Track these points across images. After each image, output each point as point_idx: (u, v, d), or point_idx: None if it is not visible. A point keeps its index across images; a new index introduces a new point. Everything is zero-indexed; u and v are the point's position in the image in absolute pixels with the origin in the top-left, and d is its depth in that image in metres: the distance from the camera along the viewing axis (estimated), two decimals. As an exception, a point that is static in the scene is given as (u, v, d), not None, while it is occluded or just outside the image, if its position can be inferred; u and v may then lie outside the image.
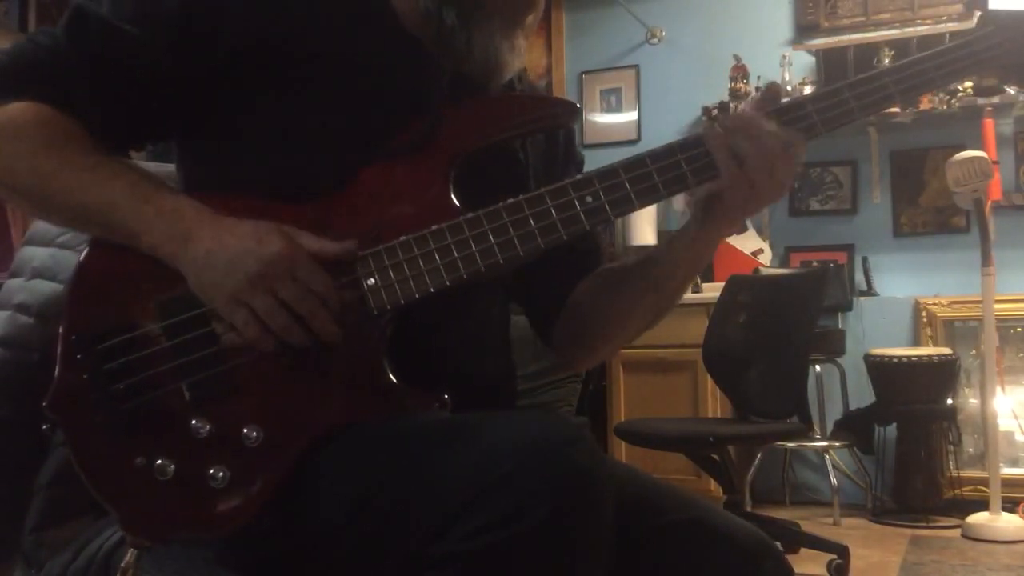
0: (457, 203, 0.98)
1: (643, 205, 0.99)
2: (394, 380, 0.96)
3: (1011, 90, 3.76)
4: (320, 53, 1.03)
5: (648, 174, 0.99)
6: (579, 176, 1.00)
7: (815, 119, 1.00)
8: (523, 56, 1.10)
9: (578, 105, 1.08)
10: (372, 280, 0.96)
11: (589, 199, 0.97)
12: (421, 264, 0.95)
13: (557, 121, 1.14)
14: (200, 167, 1.08)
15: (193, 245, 0.94)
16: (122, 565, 1.07)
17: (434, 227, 0.96)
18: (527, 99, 1.17)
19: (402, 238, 0.96)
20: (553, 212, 0.97)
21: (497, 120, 1.04)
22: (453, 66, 1.06)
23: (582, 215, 0.97)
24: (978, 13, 1.04)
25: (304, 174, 1.01)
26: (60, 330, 0.97)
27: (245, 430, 0.93)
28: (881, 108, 1.02)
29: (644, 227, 4.35)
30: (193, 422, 0.93)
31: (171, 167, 1.13)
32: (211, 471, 0.92)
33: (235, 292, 0.92)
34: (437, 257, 0.96)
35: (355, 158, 1.00)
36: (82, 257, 1.01)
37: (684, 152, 0.99)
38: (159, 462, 0.93)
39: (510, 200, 0.97)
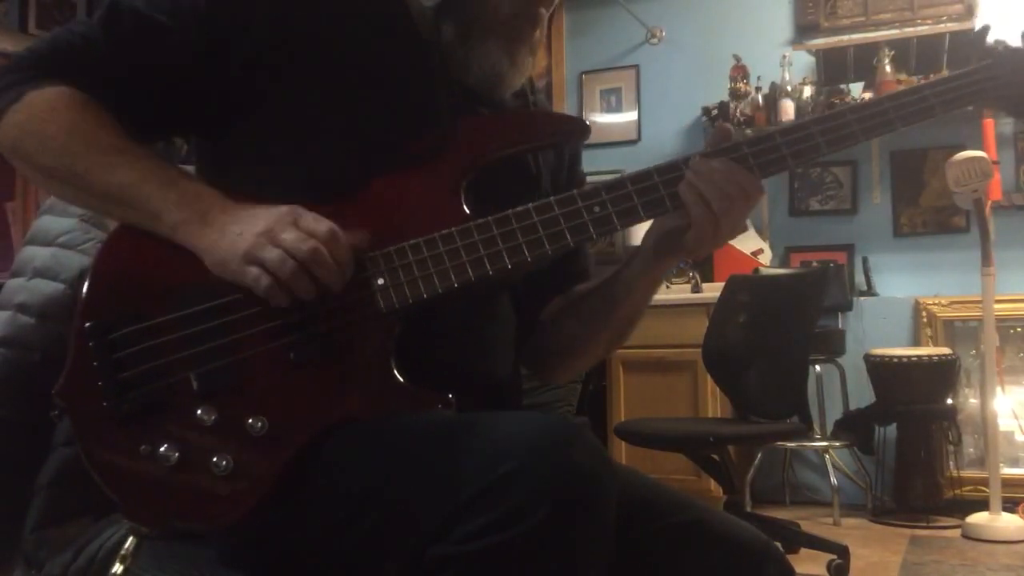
0: (467, 210, 1.00)
1: (649, 217, 1.03)
2: (400, 379, 0.97)
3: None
4: (339, 53, 1.04)
5: (654, 186, 1.01)
6: (586, 187, 1.02)
7: (819, 140, 1.03)
8: (526, 71, 1.13)
9: (588, 123, 1.11)
10: (381, 280, 0.97)
11: (597, 209, 1.00)
12: (430, 265, 0.97)
13: (569, 139, 1.17)
14: (218, 168, 1.09)
15: (210, 226, 0.96)
16: (122, 552, 1.07)
17: (444, 230, 0.98)
18: (541, 116, 1.20)
19: (412, 240, 0.98)
20: (561, 220, 0.99)
21: (510, 135, 1.06)
22: (457, 76, 1.08)
23: (589, 224, 1.00)
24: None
25: (318, 176, 1.03)
26: (76, 317, 0.99)
27: (250, 420, 0.94)
28: (881, 133, 1.06)
29: (644, 228, 4.34)
30: (199, 411, 0.94)
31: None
32: (214, 459, 0.93)
33: (248, 250, 0.94)
34: (446, 259, 0.97)
35: (368, 161, 1.01)
36: (101, 248, 1.03)
37: (688, 166, 1.02)
38: (163, 449, 0.94)
39: (519, 208, 0.99)
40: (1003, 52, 1.07)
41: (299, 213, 0.95)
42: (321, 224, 0.95)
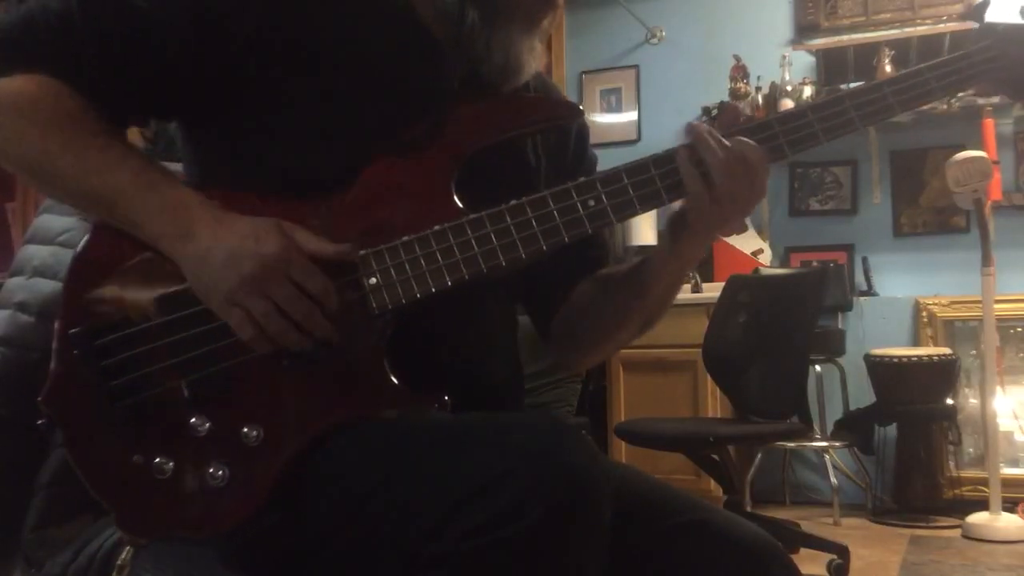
0: (459, 204, 0.98)
1: (645, 209, 0.99)
2: (394, 381, 0.95)
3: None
4: (335, 46, 1.02)
5: (651, 179, 0.99)
6: (581, 179, 0.99)
7: (811, 117, 1.00)
8: (540, 59, 1.10)
9: (581, 107, 1.10)
10: (373, 280, 0.95)
11: (592, 203, 0.97)
12: (423, 264, 0.95)
13: (559, 122, 1.14)
14: (207, 156, 1.06)
15: (193, 242, 0.92)
16: (118, 562, 1.07)
17: (436, 227, 0.96)
18: (529, 99, 1.16)
19: (404, 238, 0.95)
20: (556, 215, 0.97)
21: (499, 120, 1.04)
22: (470, 67, 1.06)
23: (585, 218, 0.97)
24: (975, 25, 1.05)
25: (310, 168, 1.00)
26: (56, 324, 0.96)
27: (245, 429, 0.92)
28: (881, 119, 1.03)
29: (644, 227, 4.34)
30: (192, 420, 0.93)
31: (179, 166, 1.11)
32: (210, 470, 0.92)
33: (230, 293, 0.90)
34: (439, 257, 0.95)
35: (362, 153, 0.99)
36: (79, 249, 0.99)
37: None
38: (157, 460, 0.92)
39: (513, 202, 0.97)
40: (1002, 31, 1.03)
41: (290, 260, 0.90)
42: (314, 279, 0.91)
